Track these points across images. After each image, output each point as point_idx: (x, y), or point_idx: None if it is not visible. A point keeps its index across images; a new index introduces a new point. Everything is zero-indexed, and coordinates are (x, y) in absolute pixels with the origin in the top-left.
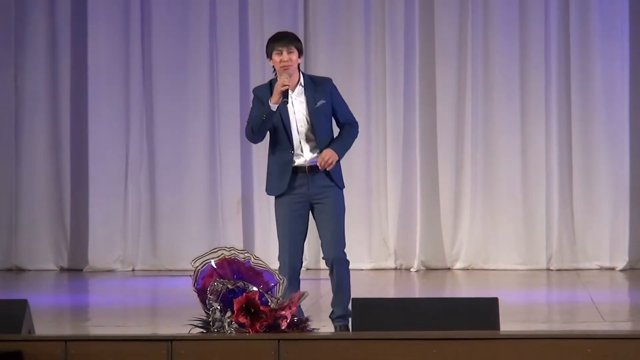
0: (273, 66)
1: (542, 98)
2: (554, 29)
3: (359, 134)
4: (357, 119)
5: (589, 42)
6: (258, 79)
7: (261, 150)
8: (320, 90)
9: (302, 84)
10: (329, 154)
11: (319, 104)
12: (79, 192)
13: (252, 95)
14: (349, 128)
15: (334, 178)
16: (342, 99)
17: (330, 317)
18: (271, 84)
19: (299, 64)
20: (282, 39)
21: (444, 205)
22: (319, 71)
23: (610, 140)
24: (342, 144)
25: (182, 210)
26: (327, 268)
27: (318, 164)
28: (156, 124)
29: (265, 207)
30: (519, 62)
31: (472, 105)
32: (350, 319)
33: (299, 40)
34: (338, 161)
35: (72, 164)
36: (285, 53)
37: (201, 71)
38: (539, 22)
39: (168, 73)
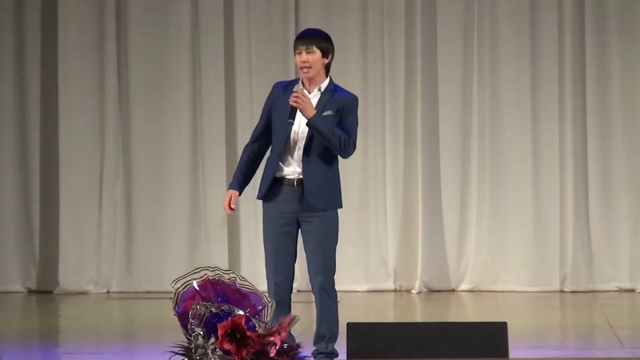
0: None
1: (555, 105)
2: (568, 29)
3: (348, 151)
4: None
5: (605, 42)
6: (245, 84)
7: None
8: (334, 101)
9: (322, 89)
10: (306, 102)
11: (325, 113)
12: (48, 207)
13: (240, 99)
14: (345, 134)
15: (327, 198)
16: (354, 120)
17: (312, 354)
18: (290, 83)
19: (327, 65)
20: (302, 38)
21: (448, 221)
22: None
23: (630, 151)
24: (329, 125)
25: (162, 227)
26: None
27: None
28: (133, 133)
29: (253, 222)
30: (530, 66)
31: (479, 113)
32: None
33: (326, 38)
34: (317, 129)
35: (42, 177)
36: (304, 53)
37: (182, 74)
38: (551, 20)
39: (146, 77)
